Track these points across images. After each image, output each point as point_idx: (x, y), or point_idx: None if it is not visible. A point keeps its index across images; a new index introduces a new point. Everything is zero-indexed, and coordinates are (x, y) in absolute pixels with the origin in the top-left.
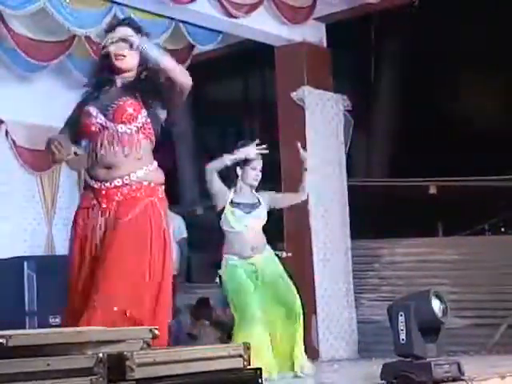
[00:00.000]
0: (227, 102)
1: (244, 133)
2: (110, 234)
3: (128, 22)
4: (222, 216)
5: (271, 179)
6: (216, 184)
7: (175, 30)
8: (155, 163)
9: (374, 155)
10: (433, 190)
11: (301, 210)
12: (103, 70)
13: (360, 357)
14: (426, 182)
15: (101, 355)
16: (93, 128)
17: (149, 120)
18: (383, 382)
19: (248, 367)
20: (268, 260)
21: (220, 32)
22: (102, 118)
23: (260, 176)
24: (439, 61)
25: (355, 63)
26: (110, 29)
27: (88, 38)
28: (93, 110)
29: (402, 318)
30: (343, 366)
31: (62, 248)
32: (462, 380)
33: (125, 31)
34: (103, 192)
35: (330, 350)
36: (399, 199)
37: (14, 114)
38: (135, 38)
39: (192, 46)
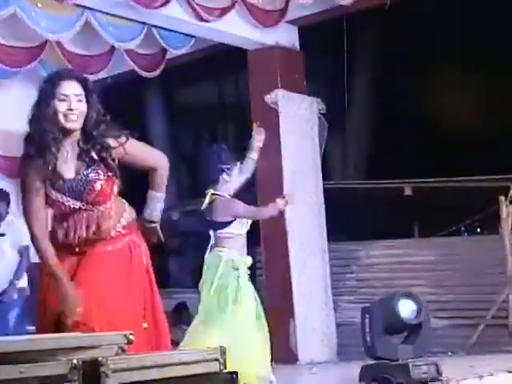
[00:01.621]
0: (201, 105)
1: (218, 136)
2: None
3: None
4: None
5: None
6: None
7: (148, 35)
8: (125, 203)
9: (349, 157)
10: (408, 192)
11: (277, 214)
12: (45, 128)
13: (339, 359)
14: (402, 183)
15: (75, 361)
16: (63, 210)
17: (115, 179)
18: (362, 383)
19: (224, 371)
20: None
21: (193, 36)
22: (75, 202)
23: None
24: (412, 62)
25: (328, 66)
26: (54, 82)
27: (60, 43)
28: (60, 196)
29: (367, 321)
30: (322, 369)
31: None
32: (440, 381)
33: (74, 86)
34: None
35: (308, 353)
36: (375, 201)
37: None
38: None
39: (165, 51)
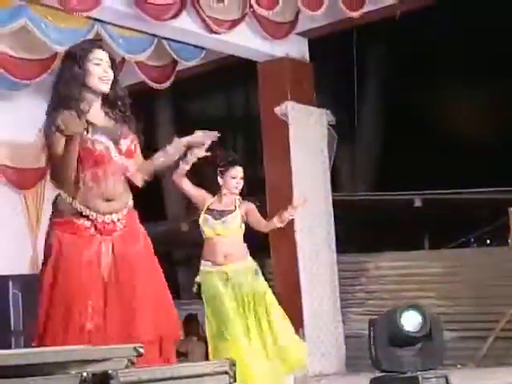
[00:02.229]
0: (210, 117)
1: (227, 148)
2: (122, 264)
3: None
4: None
5: (256, 194)
6: (190, 191)
7: (158, 47)
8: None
9: (359, 169)
10: (418, 203)
11: (286, 225)
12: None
13: (347, 371)
14: (412, 195)
15: (85, 374)
16: (98, 158)
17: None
18: None
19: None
20: (244, 271)
21: (203, 48)
22: (114, 150)
23: (241, 184)
24: (423, 74)
25: (338, 77)
26: (87, 48)
27: None
28: (105, 140)
29: (372, 333)
30: (331, 381)
31: None
32: None
33: (105, 54)
34: (103, 225)
35: (317, 364)
36: (385, 213)
37: None
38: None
39: (175, 62)
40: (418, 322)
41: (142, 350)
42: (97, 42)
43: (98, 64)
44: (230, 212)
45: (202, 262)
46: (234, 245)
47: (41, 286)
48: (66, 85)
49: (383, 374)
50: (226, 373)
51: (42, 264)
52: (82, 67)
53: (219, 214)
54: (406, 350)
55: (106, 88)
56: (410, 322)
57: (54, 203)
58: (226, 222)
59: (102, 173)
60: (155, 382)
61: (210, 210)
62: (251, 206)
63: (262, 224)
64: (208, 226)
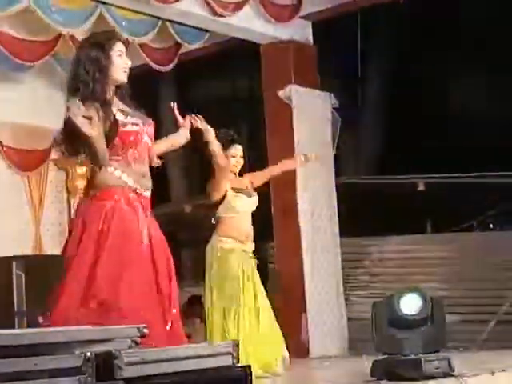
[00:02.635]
0: (214, 100)
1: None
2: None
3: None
4: (224, 202)
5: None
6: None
7: (162, 29)
8: None
9: (363, 153)
10: (421, 187)
11: (289, 208)
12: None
13: (350, 354)
14: (415, 178)
15: (89, 354)
16: (134, 139)
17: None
18: (373, 378)
19: (237, 365)
20: (251, 253)
21: (207, 30)
22: (144, 132)
23: (242, 162)
24: (427, 57)
25: (342, 61)
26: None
27: (73, 37)
28: (138, 122)
29: (374, 316)
30: (333, 363)
31: (50, 248)
32: (453, 376)
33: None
34: (142, 199)
35: (320, 347)
36: (388, 196)
37: (0, 114)
38: None
39: (179, 45)
40: (418, 306)
41: (145, 331)
42: (118, 33)
43: (120, 56)
44: (252, 190)
45: (222, 238)
46: (250, 225)
47: (84, 251)
48: (93, 76)
49: (386, 356)
50: (230, 354)
51: (82, 234)
52: (109, 59)
53: (247, 192)
54: (407, 333)
55: (125, 78)
56: (410, 305)
57: (94, 177)
58: (254, 199)
59: (138, 152)
60: (159, 362)
61: (235, 189)
62: (248, 175)
63: (265, 174)
64: (241, 202)
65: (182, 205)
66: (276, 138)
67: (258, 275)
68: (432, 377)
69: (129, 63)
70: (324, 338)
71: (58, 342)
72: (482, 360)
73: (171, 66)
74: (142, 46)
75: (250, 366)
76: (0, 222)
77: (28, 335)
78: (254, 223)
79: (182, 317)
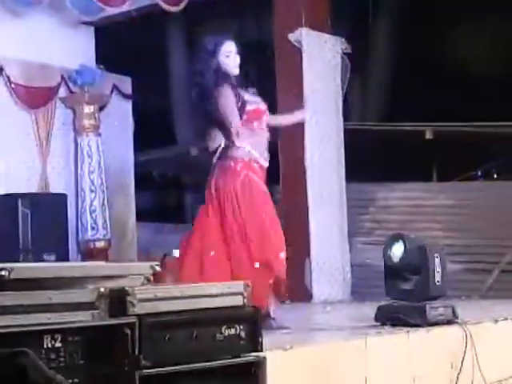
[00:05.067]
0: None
1: (240, 75)
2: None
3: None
4: None
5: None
6: None
7: None
8: None
9: (371, 99)
10: (429, 135)
11: (296, 152)
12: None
13: (353, 299)
14: (423, 126)
15: (102, 290)
16: (258, 113)
17: None
18: (378, 323)
19: (248, 305)
20: None
21: None
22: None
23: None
24: (438, 4)
25: (354, 5)
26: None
27: None
28: (258, 99)
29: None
30: (336, 308)
31: (56, 185)
32: (456, 323)
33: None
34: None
35: (323, 292)
36: (395, 143)
37: (8, 51)
38: None
39: None
40: (401, 253)
41: (158, 268)
42: (226, 35)
43: (228, 56)
44: None
45: None
46: None
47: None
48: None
49: (391, 301)
50: (241, 294)
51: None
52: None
53: None
54: (404, 281)
55: (236, 72)
56: (396, 253)
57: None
58: None
59: (262, 125)
60: (171, 299)
61: None
62: None
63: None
64: None
65: (188, 147)
66: (286, 82)
67: None
68: (436, 323)
69: (237, 60)
70: (327, 283)
71: (73, 276)
72: (484, 308)
73: (182, 5)
74: None
75: (259, 307)
76: (6, 159)
77: (43, 269)
78: None
79: None
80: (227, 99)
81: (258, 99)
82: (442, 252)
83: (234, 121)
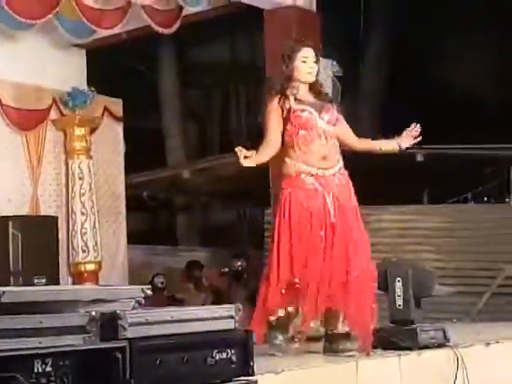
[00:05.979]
0: (215, 64)
1: (231, 96)
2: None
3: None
4: None
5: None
6: None
7: None
8: None
9: (362, 121)
10: (420, 158)
11: None
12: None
13: None
14: (414, 149)
15: (93, 314)
16: (305, 122)
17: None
18: None
19: (239, 329)
20: None
21: None
22: (318, 117)
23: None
24: (429, 24)
25: (344, 28)
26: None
27: None
28: (310, 109)
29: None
30: None
31: (47, 208)
32: (448, 346)
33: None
34: (323, 179)
35: None
36: (386, 166)
37: (0, 73)
38: None
39: (181, 7)
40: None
41: (149, 292)
42: (304, 42)
43: (304, 62)
44: None
45: None
46: None
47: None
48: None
49: (382, 325)
50: (232, 317)
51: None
52: (291, 65)
53: None
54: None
55: (311, 79)
56: None
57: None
58: None
59: (310, 135)
60: (162, 323)
61: None
62: None
63: None
64: None
65: (179, 170)
66: None
67: None
68: (427, 347)
69: (314, 67)
70: None
71: (64, 300)
72: (476, 331)
73: (174, 28)
74: (145, 7)
75: (251, 330)
76: None
77: (35, 293)
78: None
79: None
80: None
81: (313, 109)
82: (408, 275)
83: None
